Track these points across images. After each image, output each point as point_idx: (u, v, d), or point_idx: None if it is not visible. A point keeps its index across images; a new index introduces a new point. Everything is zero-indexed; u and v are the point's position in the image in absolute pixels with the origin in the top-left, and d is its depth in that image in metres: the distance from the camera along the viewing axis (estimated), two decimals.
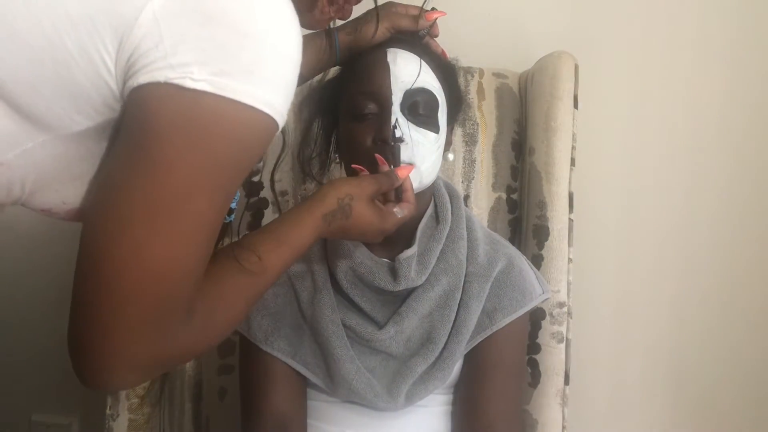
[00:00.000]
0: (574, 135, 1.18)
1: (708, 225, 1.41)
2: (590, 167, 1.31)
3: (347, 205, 0.80)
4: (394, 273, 0.94)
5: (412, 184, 0.88)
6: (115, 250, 0.56)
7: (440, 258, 0.97)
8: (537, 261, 1.17)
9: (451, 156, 1.01)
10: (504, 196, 1.26)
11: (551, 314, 1.15)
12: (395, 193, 0.87)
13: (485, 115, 1.26)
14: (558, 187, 1.17)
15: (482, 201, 1.25)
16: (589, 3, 1.40)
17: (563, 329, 1.15)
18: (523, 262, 1.02)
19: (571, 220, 1.17)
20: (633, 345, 1.45)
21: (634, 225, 1.43)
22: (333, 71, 0.99)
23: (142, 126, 0.56)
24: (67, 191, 0.65)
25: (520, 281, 0.99)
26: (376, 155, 0.87)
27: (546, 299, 1.02)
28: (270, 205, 1.23)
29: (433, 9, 0.94)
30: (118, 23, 0.54)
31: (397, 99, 0.89)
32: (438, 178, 0.99)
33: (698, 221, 1.41)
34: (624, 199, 1.43)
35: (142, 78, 0.55)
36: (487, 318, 0.97)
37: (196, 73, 0.54)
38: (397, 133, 0.88)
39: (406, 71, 0.90)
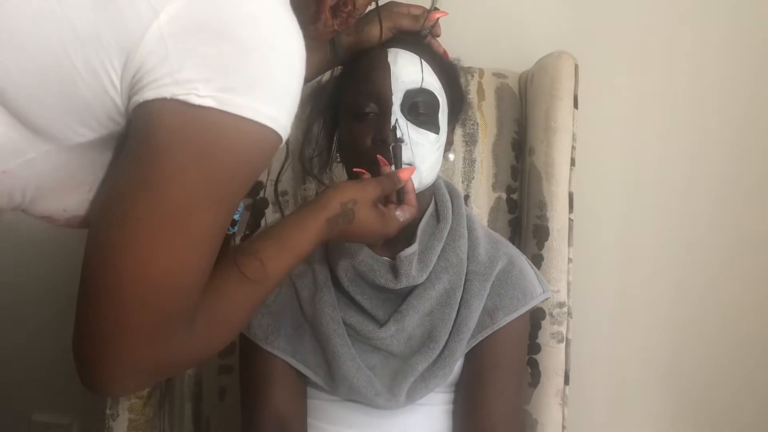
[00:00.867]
0: (574, 135, 1.18)
1: (708, 224, 1.41)
2: (590, 167, 1.31)
3: (350, 210, 0.80)
4: (395, 271, 0.94)
5: (414, 186, 0.88)
6: (120, 262, 0.57)
7: (441, 256, 0.97)
8: (537, 261, 1.17)
9: (451, 156, 1.01)
10: (504, 196, 1.26)
11: (551, 314, 1.15)
12: (397, 194, 0.88)
13: (485, 115, 1.26)
14: (558, 187, 1.17)
15: (482, 201, 1.26)
16: (589, 3, 1.40)
17: (563, 329, 1.15)
18: (523, 262, 1.02)
19: (571, 220, 1.17)
20: (633, 345, 1.45)
21: (634, 225, 1.43)
22: (334, 70, 0.99)
23: (148, 141, 0.57)
24: (69, 199, 0.66)
25: (520, 280, 0.99)
26: (378, 157, 0.87)
27: (546, 299, 1.03)
28: (270, 205, 1.23)
29: (434, 9, 0.94)
30: (125, 40, 0.55)
31: (397, 99, 0.89)
32: (438, 177, 0.99)
33: (698, 221, 1.41)
34: (624, 199, 1.43)
35: (148, 94, 0.56)
36: (488, 317, 0.97)
37: (201, 90, 0.55)
38: (397, 134, 0.88)
39: (407, 71, 0.90)
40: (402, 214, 0.86)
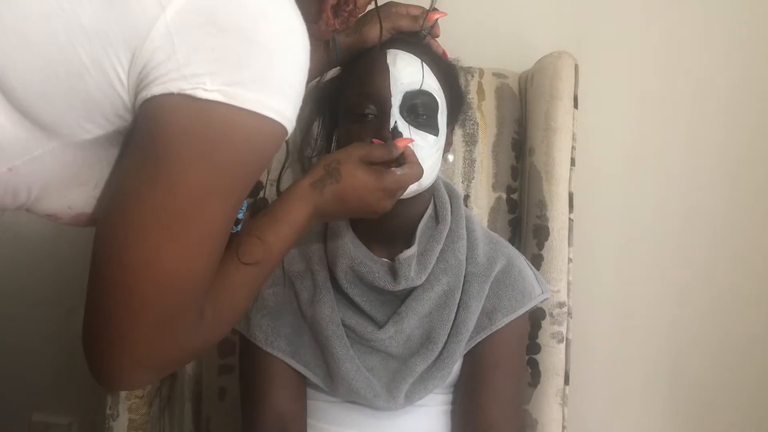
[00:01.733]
0: (574, 135, 1.18)
1: (708, 224, 1.41)
2: (590, 167, 1.31)
3: (335, 169, 0.79)
4: (393, 273, 0.94)
5: (413, 152, 0.86)
6: (130, 257, 0.57)
7: (440, 258, 0.97)
8: (537, 261, 1.17)
9: (450, 157, 1.01)
10: (504, 196, 1.26)
11: (551, 314, 1.15)
12: (396, 164, 0.84)
13: (485, 115, 1.26)
14: (558, 187, 1.17)
15: (482, 201, 1.25)
16: (589, 3, 1.40)
17: (563, 329, 1.15)
18: (522, 262, 1.02)
19: (571, 220, 1.17)
20: (633, 345, 1.45)
21: (634, 225, 1.43)
22: (333, 70, 0.99)
23: (156, 136, 0.57)
24: (74, 196, 0.66)
25: (519, 281, 0.99)
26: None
27: (545, 299, 1.03)
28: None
29: (434, 9, 0.94)
30: (132, 36, 0.55)
31: (396, 101, 0.89)
32: (437, 178, 0.99)
33: (698, 221, 1.41)
34: (624, 199, 1.43)
35: (156, 89, 0.56)
36: (486, 318, 0.97)
37: (209, 84, 0.55)
38: (396, 135, 0.87)
39: (406, 73, 0.89)
40: (400, 169, 0.83)
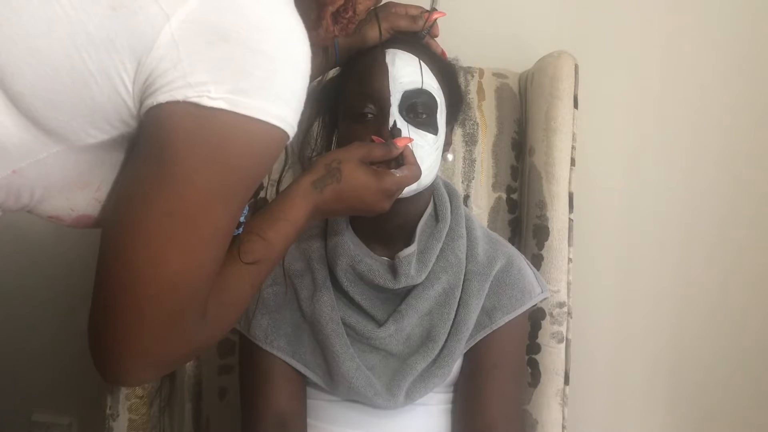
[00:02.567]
0: (574, 135, 1.18)
1: (709, 224, 1.41)
2: (590, 167, 1.31)
3: (335, 169, 0.80)
4: (394, 271, 0.94)
5: (412, 152, 0.87)
6: (136, 259, 0.59)
7: (440, 256, 0.97)
8: (537, 261, 1.17)
9: (450, 156, 1.01)
10: (504, 196, 1.26)
11: (551, 314, 1.15)
12: (396, 164, 0.86)
13: (485, 115, 1.26)
14: (558, 187, 1.17)
15: (482, 201, 1.26)
16: (589, 3, 1.40)
17: (563, 329, 1.15)
18: (522, 262, 1.02)
19: (571, 220, 1.17)
20: (633, 345, 1.45)
21: (634, 225, 1.43)
22: (334, 70, 0.99)
23: (161, 142, 0.58)
24: (76, 198, 0.67)
25: (519, 280, 0.99)
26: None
27: (545, 299, 1.03)
28: None
29: (433, 9, 0.94)
30: (137, 44, 0.56)
31: (395, 100, 0.89)
32: (437, 177, 0.99)
33: (698, 221, 1.41)
34: (624, 199, 1.43)
35: (161, 97, 0.57)
36: (486, 317, 0.97)
37: (213, 92, 0.57)
38: (395, 135, 0.88)
39: (405, 72, 0.90)
40: (399, 171, 0.84)
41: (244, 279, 0.71)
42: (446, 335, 0.95)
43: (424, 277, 0.95)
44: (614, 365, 1.46)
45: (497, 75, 1.29)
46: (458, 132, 1.24)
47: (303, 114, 0.64)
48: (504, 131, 1.26)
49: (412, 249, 0.95)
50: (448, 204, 1.00)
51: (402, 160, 0.85)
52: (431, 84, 0.91)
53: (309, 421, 0.99)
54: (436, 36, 0.96)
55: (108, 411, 1.14)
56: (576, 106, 1.18)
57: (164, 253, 0.59)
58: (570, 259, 1.17)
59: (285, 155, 0.81)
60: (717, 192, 1.40)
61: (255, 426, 0.96)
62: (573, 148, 1.18)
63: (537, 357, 1.15)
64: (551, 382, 1.15)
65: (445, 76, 0.95)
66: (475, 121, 1.25)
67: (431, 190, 1.00)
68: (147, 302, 0.59)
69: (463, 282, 0.97)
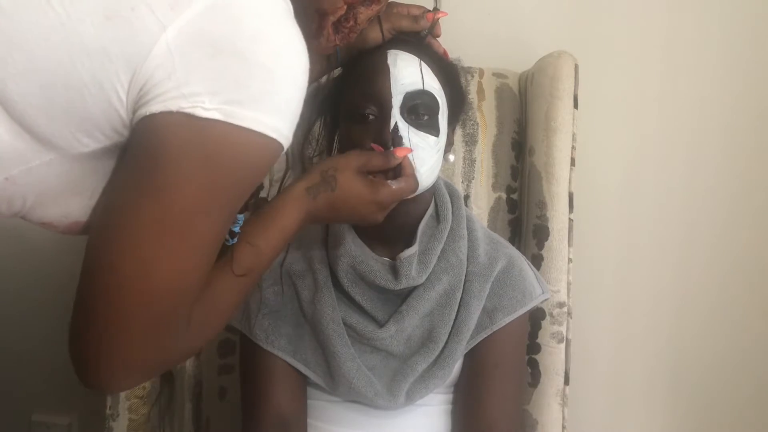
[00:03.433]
0: (574, 135, 1.18)
1: (708, 224, 1.41)
2: (590, 167, 1.31)
3: (331, 177, 0.79)
4: (395, 272, 0.94)
5: (411, 164, 0.86)
6: (123, 266, 0.58)
7: (441, 257, 0.97)
8: (537, 261, 1.17)
9: (451, 157, 1.00)
10: (504, 196, 1.26)
11: (551, 314, 1.15)
12: (393, 174, 0.85)
13: (485, 115, 1.26)
14: (558, 187, 1.17)
15: (482, 201, 1.26)
16: (589, 3, 1.40)
17: (563, 329, 1.15)
18: (523, 263, 1.02)
19: (571, 220, 1.17)
20: (633, 345, 1.45)
21: (634, 225, 1.43)
22: (335, 70, 0.99)
23: (153, 152, 0.58)
24: (69, 206, 0.67)
25: (520, 281, 0.99)
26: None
27: (545, 300, 1.03)
28: None
29: (436, 9, 0.94)
30: (132, 54, 0.56)
31: (396, 102, 0.88)
32: (438, 178, 0.99)
33: (698, 221, 1.41)
34: (624, 199, 1.43)
35: (155, 107, 0.57)
36: (487, 317, 0.97)
37: (208, 103, 0.56)
38: (396, 137, 0.87)
39: (406, 73, 0.89)
40: (395, 183, 0.83)
41: (232, 290, 0.71)
42: (447, 336, 0.95)
43: (425, 277, 0.95)
44: (614, 365, 1.46)
45: (497, 75, 1.29)
46: (458, 132, 1.24)
47: (304, 114, 0.63)
48: (504, 131, 1.26)
49: (413, 250, 0.95)
50: (450, 205, 1.00)
51: (399, 171, 0.84)
52: (432, 85, 0.91)
53: (309, 421, 0.99)
54: (438, 36, 0.96)
55: (108, 411, 1.13)
56: (576, 106, 1.18)
57: (152, 260, 0.58)
58: (570, 259, 1.17)
59: (286, 164, 0.81)
60: (717, 192, 1.41)
61: (255, 426, 0.96)
62: (573, 148, 1.18)
63: (537, 357, 1.15)
64: (551, 382, 1.15)
65: (447, 76, 0.95)
66: (475, 121, 1.25)
67: (432, 191, 1.00)
68: (131, 309, 0.59)
69: (464, 283, 0.97)
